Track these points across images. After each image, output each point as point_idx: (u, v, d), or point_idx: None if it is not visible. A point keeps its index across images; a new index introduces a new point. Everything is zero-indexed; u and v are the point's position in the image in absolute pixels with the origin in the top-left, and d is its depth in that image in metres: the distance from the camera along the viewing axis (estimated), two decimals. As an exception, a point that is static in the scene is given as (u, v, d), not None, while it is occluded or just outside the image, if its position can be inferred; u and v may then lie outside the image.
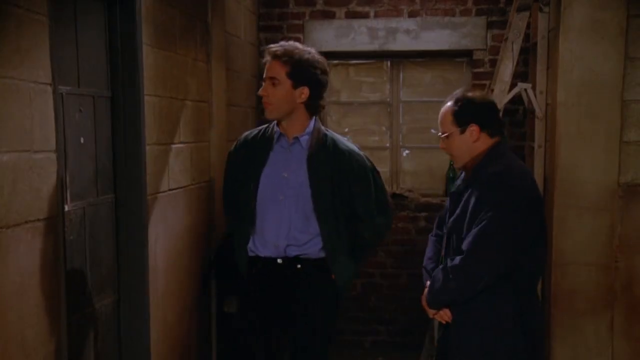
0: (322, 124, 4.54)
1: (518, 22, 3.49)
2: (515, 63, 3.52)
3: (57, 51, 2.08)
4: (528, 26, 3.60)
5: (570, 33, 3.11)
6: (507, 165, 2.18)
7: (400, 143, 4.61)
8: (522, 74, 3.94)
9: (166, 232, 2.90)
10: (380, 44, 4.35)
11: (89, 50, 2.43)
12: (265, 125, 2.54)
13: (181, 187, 3.08)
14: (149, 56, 2.71)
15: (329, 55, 4.46)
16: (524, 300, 2.18)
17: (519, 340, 2.16)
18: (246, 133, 2.62)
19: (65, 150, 2.22)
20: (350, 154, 2.43)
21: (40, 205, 2.01)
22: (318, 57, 2.39)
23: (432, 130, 4.60)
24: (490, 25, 4.20)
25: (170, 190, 2.96)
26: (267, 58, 2.41)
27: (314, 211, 2.38)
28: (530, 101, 3.64)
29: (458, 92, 2.30)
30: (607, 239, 3.16)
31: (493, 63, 4.16)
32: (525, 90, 3.59)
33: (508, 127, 4.17)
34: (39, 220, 2.00)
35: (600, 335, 3.21)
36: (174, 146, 3.00)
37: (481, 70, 4.27)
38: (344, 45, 4.39)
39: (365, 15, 4.34)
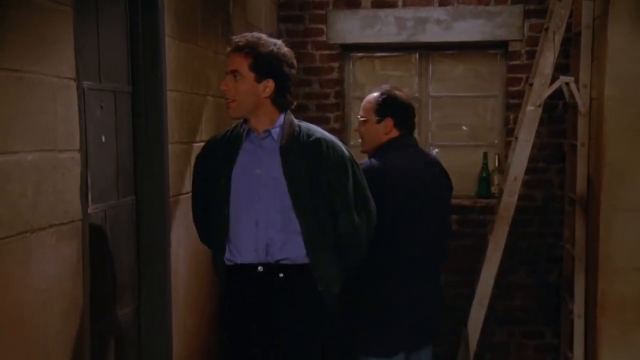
0: (347, 120, 4.61)
1: (560, 10, 3.45)
2: (556, 55, 3.48)
3: (80, 44, 2.08)
4: (570, 15, 3.56)
5: (619, 21, 3.07)
6: (383, 160, 2.74)
7: (429, 141, 4.59)
8: (562, 66, 3.90)
9: (188, 236, 2.90)
10: (408, 35, 4.33)
11: (109, 42, 2.43)
12: (235, 125, 2.47)
13: (202, 188, 3.07)
14: (170, 49, 2.71)
15: (353, 47, 4.50)
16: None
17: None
18: (215, 135, 2.57)
19: (86, 150, 2.22)
20: (325, 141, 2.35)
21: (64, 208, 2.00)
22: (285, 49, 2.35)
23: (464, 127, 4.58)
24: (527, 14, 4.17)
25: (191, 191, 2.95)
26: (229, 50, 2.38)
27: (292, 207, 2.32)
28: (572, 95, 3.60)
29: (386, 86, 2.86)
30: (658, 244, 3.12)
31: (530, 55, 4.13)
32: (567, 84, 3.55)
33: (546, 123, 4.14)
34: (63, 224, 1.99)
35: (651, 347, 3.17)
36: (195, 145, 3.00)
37: (517, 62, 4.23)
38: (370, 37, 4.37)
39: (392, 5, 4.32)
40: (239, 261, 2.38)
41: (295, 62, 2.38)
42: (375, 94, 2.82)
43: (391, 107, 2.78)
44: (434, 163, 2.96)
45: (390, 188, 2.70)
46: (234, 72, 2.31)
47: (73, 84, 2.03)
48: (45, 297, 1.93)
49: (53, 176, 1.94)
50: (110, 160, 2.46)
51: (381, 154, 2.77)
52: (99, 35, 2.35)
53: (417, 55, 4.53)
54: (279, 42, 2.36)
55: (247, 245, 2.36)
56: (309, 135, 2.36)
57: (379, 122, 2.79)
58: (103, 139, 2.40)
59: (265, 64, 2.29)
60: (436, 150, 4.61)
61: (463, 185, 4.54)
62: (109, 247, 2.44)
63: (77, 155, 2.07)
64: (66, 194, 2.02)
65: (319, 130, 2.41)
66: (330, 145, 2.37)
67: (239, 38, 2.35)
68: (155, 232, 2.66)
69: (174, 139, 2.76)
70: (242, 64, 2.30)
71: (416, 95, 4.56)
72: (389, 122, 2.78)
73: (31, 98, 1.84)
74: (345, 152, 2.41)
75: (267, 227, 2.33)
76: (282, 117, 2.36)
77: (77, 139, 2.06)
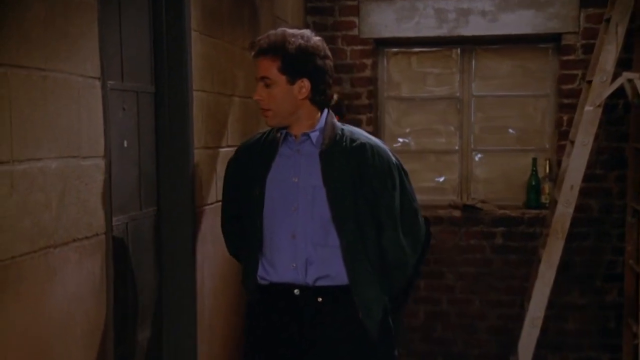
0: (380, 122, 4.59)
1: (623, -1, 3.42)
2: (619, 48, 3.44)
3: (104, 40, 2.08)
4: (634, 3, 3.52)
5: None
6: None
7: (472, 145, 4.56)
8: (625, 61, 3.86)
9: (214, 251, 2.89)
10: (449, 29, 4.31)
11: (132, 39, 2.44)
12: (270, 129, 2.42)
13: (228, 198, 3.06)
14: (196, 44, 2.71)
15: (388, 42, 4.49)
16: None
17: None
18: (248, 138, 2.53)
19: (110, 156, 2.21)
20: (371, 146, 2.31)
21: (88, 220, 2.00)
22: (314, 39, 2.27)
23: (511, 130, 4.55)
24: (583, 4, 4.13)
25: (217, 202, 2.94)
26: (252, 54, 2.33)
27: (332, 219, 2.29)
28: (635, 94, 3.56)
29: None
30: None
31: (586, 49, 4.10)
32: (631, 80, 3.51)
33: (604, 125, 4.09)
34: (86, 238, 1.99)
35: None
36: (221, 150, 3.00)
37: (571, 57, 4.20)
38: (407, 30, 4.35)
39: (432, -6, 4.32)
40: (274, 279, 2.35)
41: (328, 51, 2.31)
42: None
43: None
44: None
45: None
46: (264, 79, 2.27)
47: (98, 83, 2.04)
48: (67, 319, 1.92)
49: (77, 186, 1.94)
50: (132, 168, 2.45)
51: None
52: (121, 29, 2.36)
53: (458, 51, 4.51)
54: (306, 32, 2.30)
55: (284, 261, 2.32)
56: (352, 140, 2.32)
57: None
58: (125, 144, 2.40)
59: (295, 63, 2.23)
60: (479, 155, 4.57)
61: (510, 195, 4.52)
62: (130, 264, 2.43)
63: (102, 162, 2.07)
64: (90, 205, 2.01)
65: (363, 134, 2.38)
66: (375, 150, 2.32)
67: (261, 39, 2.30)
68: (180, 247, 2.65)
69: (200, 143, 2.76)
70: (271, 68, 2.25)
71: (457, 94, 4.53)
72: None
73: (55, 99, 1.84)
74: (392, 158, 2.36)
75: (306, 241, 2.31)
76: (323, 118, 2.33)
77: (101, 145, 2.06)
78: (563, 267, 3.85)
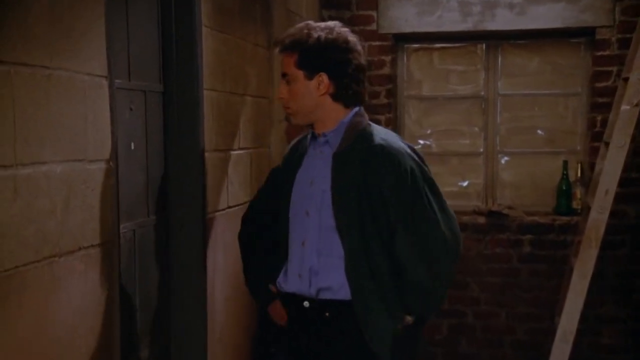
0: (400, 123, 4.57)
1: (662, -10, 3.39)
2: (657, 44, 3.40)
3: (111, 37, 2.07)
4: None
5: None
6: None
7: (498, 147, 4.53)
8: (662, 57, 3.82)
9: (226, 260, 2.88)
10: (474, 23, 4.28)
11: (140, 35, 2.43)
12: None
13: (240, 205, 3.06)
14: (207, 40, 2.71)
15: (408, 37, 4.47)
16: None
17: None
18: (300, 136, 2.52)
19: (117, 159, 2.21)
20: (382, 147, 2.22)
21: (94, 227, 2.00)
22: (336, 32, 2.23)
23: (539, 131, 4.52)
24: (619, -5, 4.11)
25: (229, 208, 2.94)
26: (277, 51, 2.33)
27: (336, 227, 2.23)
28: (675, 93, 3.51)
29: None
30: None
31: (623, 44, 4.06)
32: (671, 78, 3.47)
33: (636, 130, 4.04)
34: (92, 246, 1.99)
35: None
36: (233, 153, 2.99)
37: (606, 53, 4.16)
38: (428, 25, 4.33)
39: (455, -13, 4.30)
40: (284, 289, 2.35)
41: (354, 44, 2.25)
42: None
43: None
44: None
45: None
46: (285, 75, 2.28)
47: (104, 82, 2.03)
48: (72, 334, 1.91)
49: (83, 190, 1.94)
50: (139, 172, 2.45)
51: None
52: (128, 25, 2.36)
53: (484, 46, 4.49)
54: (333, 24, 2.26)
55: (293, 269, 2.32)
56: (369, 141, 2.26)
57: None
58: (132, 146, 2.39)
59: (312, 57, 2.22)
60: (506, 158, 4.54)
61: (538, 200, 4.48)
62: (138, 274, 2.43)
63: (108, 166, 2.06)
64: (96, 211, 2.01)
65: (381, 135, 2.28)
66: (387, 152, 2.22)
67: (284, 34, 2.29)
68: (190, 257, 2.65)
69: (210, 146, 2.75)
70: (289, 64, 2.25)
71: (482, 93, 4.51)
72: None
73: (59, 99, 1.84)
74: (408, 161, 2.24)
75: (312, 249, 2.29)
76: (349, 116, 2.29)
77: (108, 147, 2.06)
78: (597, 278, 3.81)
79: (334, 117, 2.27)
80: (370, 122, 2.31)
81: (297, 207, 2.32)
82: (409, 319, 2.24)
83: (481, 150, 4.56)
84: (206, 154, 2.69)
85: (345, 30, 2.27)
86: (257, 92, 3.26)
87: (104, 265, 2.05)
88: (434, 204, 2.26)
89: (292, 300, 2.32)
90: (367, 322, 2.22)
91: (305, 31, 2.24)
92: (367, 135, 2.27)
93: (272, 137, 3.44)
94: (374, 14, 4.36)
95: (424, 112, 4.61)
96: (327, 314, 2.26)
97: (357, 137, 2.27)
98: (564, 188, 4.36)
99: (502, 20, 4.25)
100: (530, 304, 4.39)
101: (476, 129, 4.56)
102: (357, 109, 2.30)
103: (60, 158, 1.83)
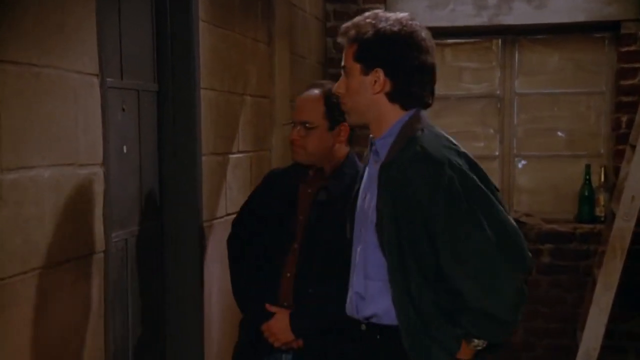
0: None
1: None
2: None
3: (103, 33, 2.09)
4: None
5: None
6: None
7: (514, 151, 4.55)
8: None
9: (224, 271, 2.88)
10: (489, 17, 4.30)
11: (133, 31, 2.45)
12: None
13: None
14: (204, 36, 2.72)
15: (419, 32, 4.47)
16: None
17: None
18: None
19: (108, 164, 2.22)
20: (418, 156, 2.09)
21: (84, 237, 2.01)
22: (402, 24, 2.14)
23: (560, 133, 4.53)
24: (646, -13, 4.12)
25: (227, 215, 2.95)
26: (338, 40, 2.32)
27: (380, 248, 2.15)
28: None
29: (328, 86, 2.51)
30: None
31: (649, 39, 4.08)
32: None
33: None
34: (83, 257, 2.00)
35: None
36: (232, 156, 3.01)
37: (632, 48, 4.17)
38: (440, 19, 4.35)
39: (469, -22, 4.32)
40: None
41: (420, 40, 2.16)
42: (317, 91, 2.52)
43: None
44: None
45: None
46: (343, 68, 2.21)
47: (96, 81, 2.05)
48: (61, 349, 1.92)
49: (73, 197, 1.95)
50: (132, 177, 2.46)
51: None
52: (120, 20, 2.37)
53: (499, 42, 4.50)
54: (403, 16, 2.17)
55: (346, 293, 2.30)
56: (411, 149, 2.12)
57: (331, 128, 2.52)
58: (125, 149, 2.40)
59: (371, 49, 2.12)
60: (523, 162, 4.55)
61: (559, 207, 4.49)
62: (130, 286, 2.44)
63: (100, 171, 2.08)
64: (86, 219, 2.02)
65: (428, 143, 2.12)
66: (423, 161, 2.10)
67: (348, 22, 2.19)
68: (186, 267, 2.66)
69: (208, 149, 2.77)
70: (348, 56, 2.16)
71: (497, 92, 4.52)
72: (344, 127, 2.53)
73: (49, 99, 1.85)
74: (448, 171, 2.09)
75: (358, 271, 2.24)
76: (403, 119, 2.15)
77: (100, 151, 2.07)
78: (622, 291, 3.81)
79: (390, 120, 2.15)
80: (426, 127, 2.16)
81: (356, 224, 2.28)
82: (476, 342, 2.12)
83: (497, 153, 4.56)
84: (203, 158, 2.70)
85: (413, 24, 2.18)
86: (258, 92, 3.27)
87: (94, 277, 2.06)
88: (478, 214, 2.11)
89: (350, 323, 2.26)
90: (408, 336, 2.13)
91: (369, 21, 2.15)
92: (412, 143, 2.13)
93: (274, 140, 3.45)
94: (382, 7, 4.37)
95: (435, 113, 4.60)
96: (378, 337, 2.21)
97: (406, 145, 2.14)
98: (587, 194, 4.37)
99: (520, 14, 4.26)
100: (550, 318, 4.39)
101: (491, 130, 4.57)
102: (413, 111, 2.16)
103: (48, 162, 1.84)
